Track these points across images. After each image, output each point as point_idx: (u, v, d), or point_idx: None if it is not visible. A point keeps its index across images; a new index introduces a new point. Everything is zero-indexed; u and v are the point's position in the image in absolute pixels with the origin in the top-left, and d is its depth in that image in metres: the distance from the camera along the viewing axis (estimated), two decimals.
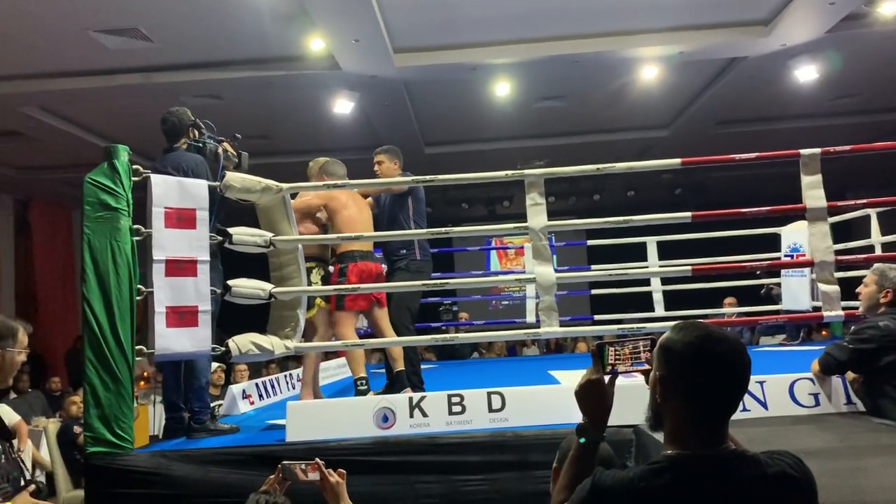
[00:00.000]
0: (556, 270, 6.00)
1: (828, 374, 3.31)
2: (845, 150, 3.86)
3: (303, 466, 2.20)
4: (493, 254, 13.45)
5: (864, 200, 4.04)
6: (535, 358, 9.34)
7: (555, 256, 6.20)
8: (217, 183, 3.76)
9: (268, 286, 3.75)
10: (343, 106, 7.96)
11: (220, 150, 4.10)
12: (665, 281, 7.15)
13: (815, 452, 2.63)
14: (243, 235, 3.72)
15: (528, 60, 7.31)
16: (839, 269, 6.29)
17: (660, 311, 7.05)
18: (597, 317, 7.51)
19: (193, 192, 3.70)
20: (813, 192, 3.73)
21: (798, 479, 1.39)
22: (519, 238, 9.00)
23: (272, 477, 2.25)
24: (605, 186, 11.92)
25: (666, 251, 6.90)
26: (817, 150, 3.70)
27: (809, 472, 1.43)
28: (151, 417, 7.75)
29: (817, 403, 3.35)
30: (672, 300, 7.08)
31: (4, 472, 2.62)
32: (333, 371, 5.57)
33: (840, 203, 3.94)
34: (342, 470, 2.22)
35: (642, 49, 7.17)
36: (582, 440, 1.61)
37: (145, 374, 8.51)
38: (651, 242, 7.01)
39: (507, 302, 13.39)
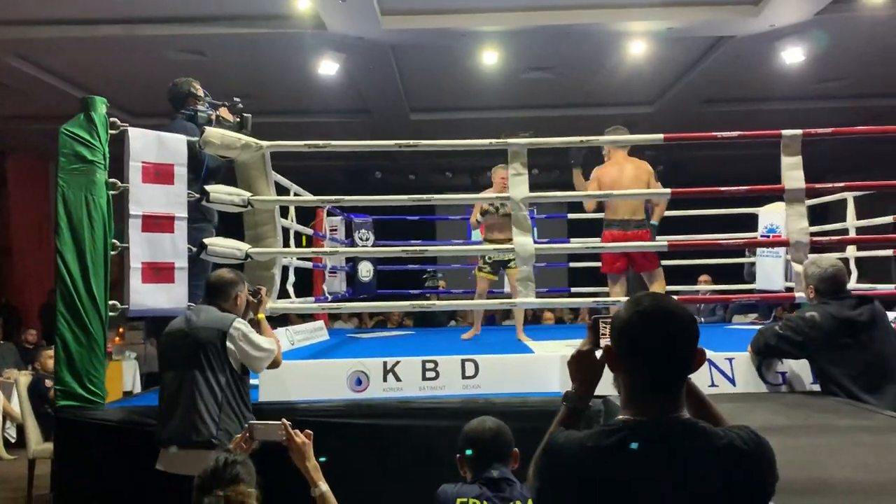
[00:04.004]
0: (536, 242, 6.04)
1: (757, 355, 3.39)
2: (827, 133, 3.88)
3: (269, 426, 2.21)
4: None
5: (842, 184, 4.08)
6: (513, 328, 9.38)
7: (535, 228, 6.23)
8: (196, 139, 3.72)
9: (244, 246, 3.74)
10: (328, 67, 7.86)
11: (213, 117, 4.07)
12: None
13: (778, 429, 2.69)
14: (221, 194, 3.69)
15: (517, 30, 7.23)
16: (814, 250, 6.39)
17: None
18: (573, 289, 7.55)
19: (172, 147, 3.67)
20: (792, 173, 3.77)
21: (746, 453, 1.41)
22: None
23: (238, 436, 2.27)
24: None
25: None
26: (798, 132, 3.73)
27: (764, 446, 1.45)
28: (127, 374, 7.76)
29: (784, 382, 3.42)
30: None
31: None
32: (308, 334, 5.56)
33: (818, 185, 3.98)
34: (309, 431, 2.23)
35: (631, 23, 7.12)
36: (568, 405, 1.67)
37: (121, 329, 8.48)
38: None
39: None
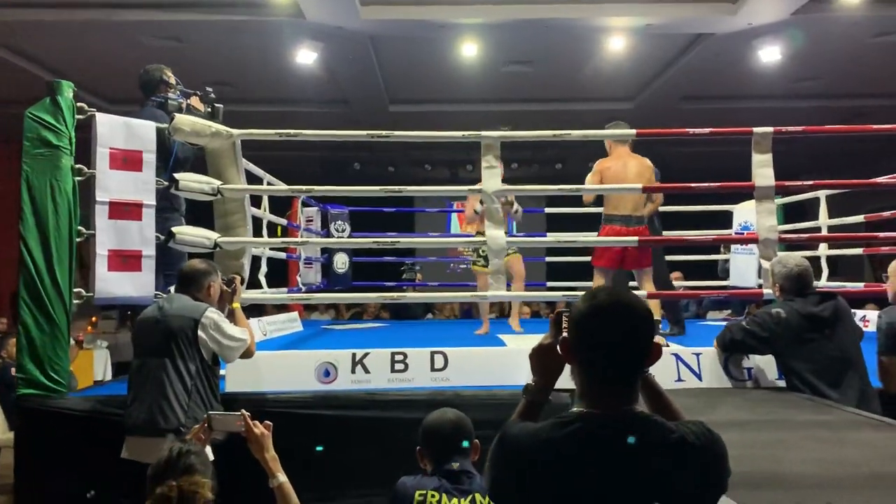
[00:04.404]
0: (513, 236, 6.05)
1: (723, 350, 3.41)
2: (797, 131, 3.91)
3: (228, 417, 2.19)
4: (454, 216, 13.43)
5: (811, 182, 4.11)
6: (489, 321, 9.39)
7: (513, 222, 6.23)
8: (166, 126, 3.67)
9: (213, 235, 3.70)
10: (306, 56, 7.80)
11: (183, 105, 4.02)
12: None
13: (740, 423, 2.71)
14: (190, 182, 3.65)
15: (496, 22, 7.22)
16: (788, 248, 6.45)
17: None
18: (549, 283, 7.57)
19: (141, 133, 3.62)
20: (763, 170, 3.79)
21: (697, 448, 1.42)
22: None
23: (197, 427, 2.25)
24: (568, 156, 11.94)
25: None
26: (769, 129, 3.75)
27: (716, 442, 1.46)
28: (98, 363, 7.67)
29: (750, 377, 3.45)
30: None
31: None
32: (281, 325, 5.53)
33: (788, 183, 4.01)
34: (268, 422, 2.21)
35: (610, 19, 7.13)
36: (527, 397, 1.67)
37: (93, 318, 8.39)
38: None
39: (464, 265, 13.42)
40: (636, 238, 4.07)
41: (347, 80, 9.03)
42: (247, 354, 3.12)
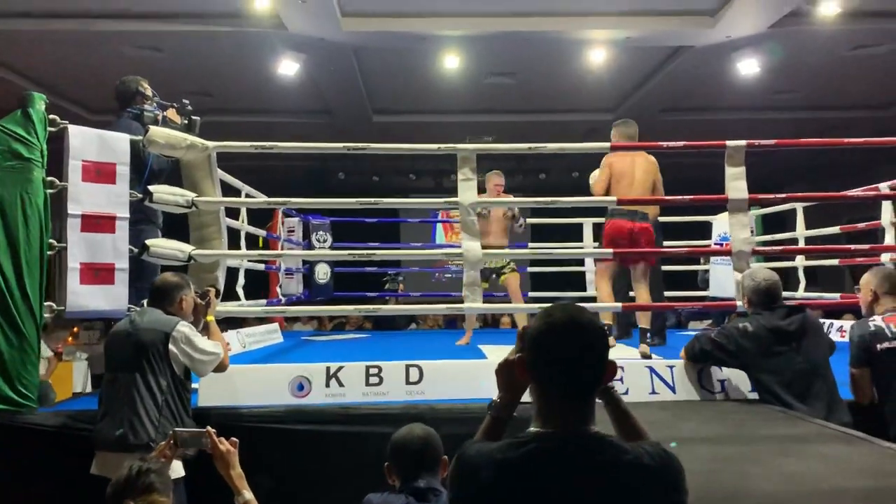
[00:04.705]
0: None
1: (691, 361, 3.43)
2: (770, 145, 3.95)
3: (194, 434, 2.18)
4: (440, 227, 13.43)
5: (784, 195, 4.15)
6: (473, 332, 9.38)
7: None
8: (140, 138, 3.65)
9: (188, 247, 3.69)
10: (288, 67, 7.80)
11: (159, 117, 4.00)
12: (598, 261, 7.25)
13: (709, 438, 2.73)
14: (164, 194, 3.63)
15: (479, 35, 7.26)
16: (767, 259, 6.49)
17: (591, 290, 7.15)
18: (531, 293, 7.58)
19: (114, 145, 3.60)
20: (736, 183, 3.83)
21: (652, 468, 1.41)
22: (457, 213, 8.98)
23: (163, 444, 2.23)
24: (551, 167, 12.00)
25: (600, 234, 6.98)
26: (742, 143, 3.79)
27: (670, 463, 1.45)
28: (77, 374, 7.60)
29: (723, 390, 3.46)
30: None
31: None
32: (261, 336, 5.51)
33: (761, 196, 4.04)
34: (234, 439, 2.20)
35: (590, 31, 7.19)
36: (492, 414, 1.66)
37: (75, 329, 8.31)
38: (587, 224, 7.10)
39: (449, 275, 13.41)
40: (610, 250, 4.08)
41: (330, 90, 9.04)
42: (220, 368, 3.10)
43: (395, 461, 2.27)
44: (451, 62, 7.93)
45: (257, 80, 8.57)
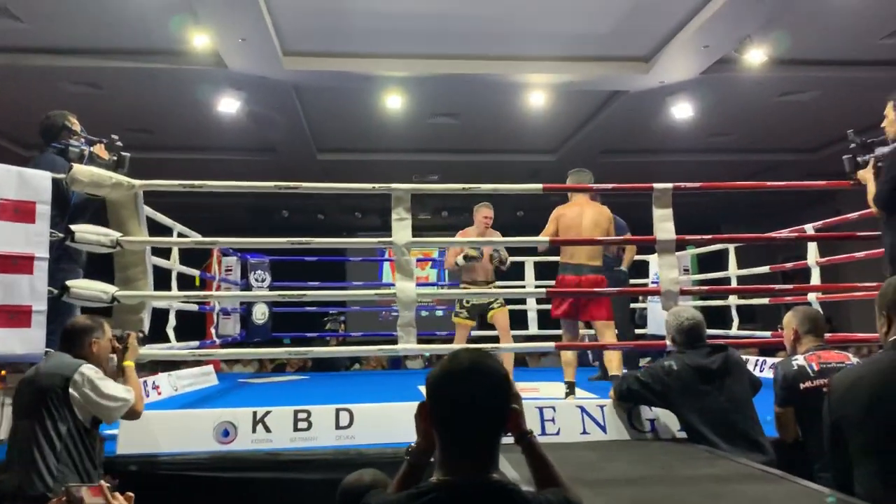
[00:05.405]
0: (434, 285, 6.06)
1: (620, 400, 3.46)
2: (695, 187, 4.05)
3: (86, 488, 2.06)
4: (387, 265, 13.39)
5: (710, 236, 4.26)
6: (415, 372, 9.32)
7: (438, 270, 6.24)
8: (62, 176, 3.56)
9: (111, 288, 3.58)
10: (229, 105, 7.75)
11: (85, 153, 3.90)
12: (540, 300, 7.31)
13: (635, 479, 2.73)
14: (86, 234, 3.53)
15: (421, 76, 7.34)
16: (701, 298, 6.61)
17: (533, 329, 7.20)
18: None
19: (34, 183, 3.49)
20: (664, 224, 3.91)
21: None
22: (415, 250, 8.95)
23: (55, 500, 2.11)
24: (497, 205, 12.08)
25: (542, 272, 7.06)
26: (669, 186, 3.88)
27: None
28: (6, 421, 7.26)
29: (653, 429, 3.48)
30: (545, 319, 7.24)
31: None
32: (194, 379, 5.35)
33: (689, 237, 4.14)
34: (130, 493, 2.10)
35: (531, 75, 7.34)
36: (409, 461, 1.64)
37: (2, 372, 7.97)
38: (529, 262, 7.17)
39: (396, 314, 13.33)
40: (543, 290, 4.11)
41: (273, 128, 9.00)
42: (131, 415, 2.98)
43: None
44: (394, 102, 7.99)
45: (198, 118, 8.49)
